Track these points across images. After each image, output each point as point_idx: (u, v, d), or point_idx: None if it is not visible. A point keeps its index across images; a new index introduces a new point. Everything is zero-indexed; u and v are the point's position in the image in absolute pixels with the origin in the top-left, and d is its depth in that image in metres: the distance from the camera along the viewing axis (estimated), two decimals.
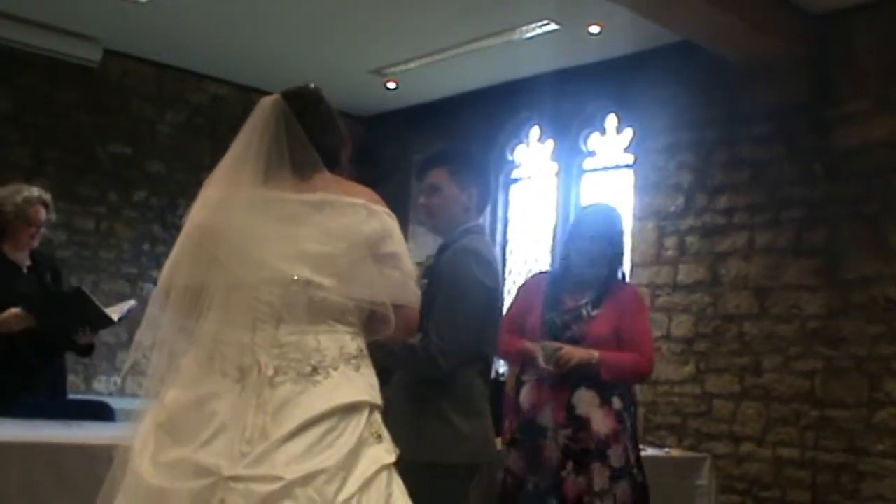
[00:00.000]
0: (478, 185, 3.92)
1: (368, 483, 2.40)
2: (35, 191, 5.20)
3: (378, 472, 2.43)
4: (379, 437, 2.50)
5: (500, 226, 9.26)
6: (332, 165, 2.66)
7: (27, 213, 5.11)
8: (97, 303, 5.08)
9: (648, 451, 6.21)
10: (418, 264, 3.77)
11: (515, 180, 9.28)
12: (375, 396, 2.55)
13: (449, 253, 3.77)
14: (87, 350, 5.35)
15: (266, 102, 2.63)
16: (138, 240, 8.84)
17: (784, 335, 6.78)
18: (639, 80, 7.85)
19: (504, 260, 9.17)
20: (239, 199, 2.54)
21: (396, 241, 2.67)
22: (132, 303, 5.33)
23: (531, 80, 8.56)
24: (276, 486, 2.28)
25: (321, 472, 2.32)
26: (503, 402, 6.19)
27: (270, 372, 2.40)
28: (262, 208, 2.53)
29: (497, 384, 6.20)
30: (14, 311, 4.88)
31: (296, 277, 2.47)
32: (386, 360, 3.08)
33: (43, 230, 5.21)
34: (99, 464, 3.51)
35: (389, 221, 2.65)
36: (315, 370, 2.43)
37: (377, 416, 2.53)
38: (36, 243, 5.21)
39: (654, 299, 7.50)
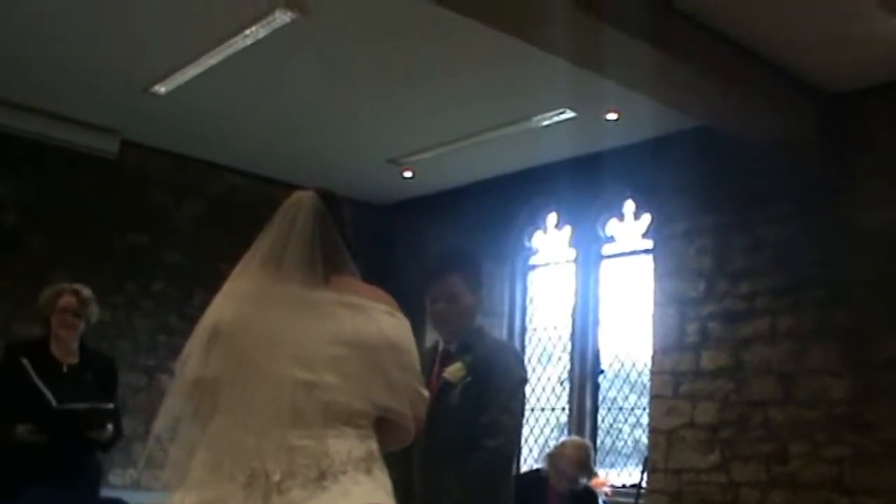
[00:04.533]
0: (482, 287, 4.14)
1: None
2: (68, 284, 5.42)
3: None
4: None
5: (518, 312, 9.20)
6: (353, 269, 2.66)
7: (55, 303, 5.28)
8: (102, 408, 5.23)
9: None
10: (463, 361, 3.88)
11: (533, 267, 9.24)
12: (388, 499, 2.50)
13: (487, 351, 3.96)
14: (107, 445, 5.43)
15: (303, 199, 2.62)
16: (155, 330, 8.79)
17: (810, 421, 6.65)
18: (656, 165, 7.84)
19: (523, 347, 9.09)
20: (273, 295, 2.52)
21: (413, 350, 2.66)
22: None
23: (548, 166, 8.57)
24: None
25: None
26: (548, 497, 6.17)
27: (277, 477, 2.35)
28: (296, 306, 2.51)
29: (539, 479, 6.18)
30: (24, 428, 5.02)
31: (305, 379, 2.43)
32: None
33: (78, 321, 5.29)
34: None
35: (408, 329, 2.64)
36: (323, 475, 2.38)
37: None
38: (73, 335, 5.31)
39: (678, 386, 7.40)
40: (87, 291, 5.38)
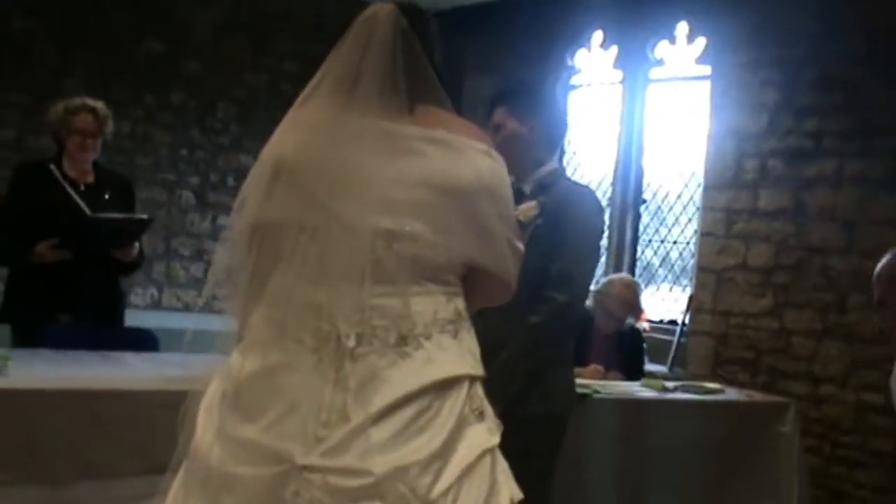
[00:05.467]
0: (540, 115, 3.74)
1: (469, 471, 2.01)
2: (81, 99, 4.96)
3: (480, 457, 2.04)
4: (480, 415, 2.10)
5: None
6: (443, 98, 2.20)
7: (69, 122, 4.85)
8: (137, 217, 5.07)
9: (729, 394, 5.82)
10: (538, 201, 3.60)
11: (575, 87, 8.75)
12: (476, 366, 2.14)
13: (563, 195, 3.64)
14: (132, 266, 5.16)
15: (381, 13, 2.14)
16: (175, 144, 8.40)
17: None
18: None
19: None
20: (347, 126, 2.09)
21: (510, 197, 2.24)
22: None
23: None
24: (364, 481, 1.91)
25: (414, 463, 1.94)
26: (593, 338, 5.81)
27: (352, 342, 1.99)
28: (374, 140, 2.08)
29: (584, 319, 5.76)
30: (45, 244, 4.70)
31: (386, 228, 2.03)
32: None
33: (96, 141, 4.93)
34: (141, 410, 3.42)
35: (506, 173, 2.22)
36: (404, 339, 2.02)
37: (478, 390, 2.13)
38: (90, 156, 4.95)
39: (731, 225, 7.06)
40: (103, 107, 4.97)
